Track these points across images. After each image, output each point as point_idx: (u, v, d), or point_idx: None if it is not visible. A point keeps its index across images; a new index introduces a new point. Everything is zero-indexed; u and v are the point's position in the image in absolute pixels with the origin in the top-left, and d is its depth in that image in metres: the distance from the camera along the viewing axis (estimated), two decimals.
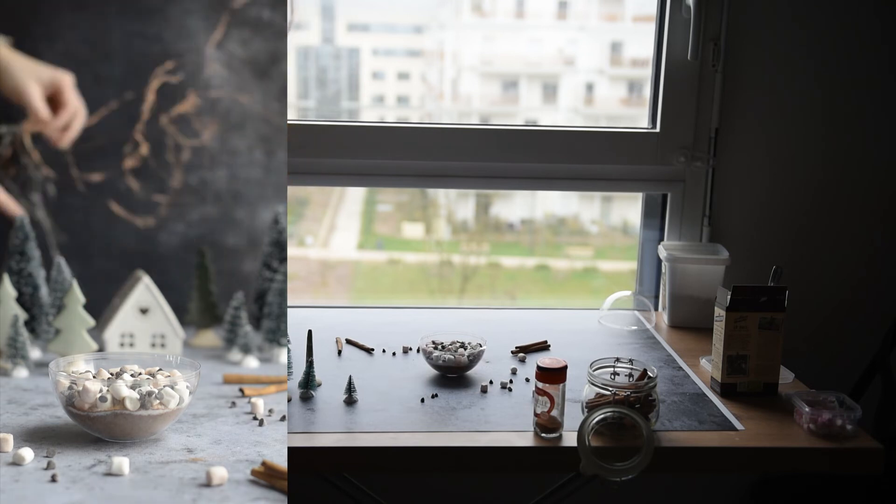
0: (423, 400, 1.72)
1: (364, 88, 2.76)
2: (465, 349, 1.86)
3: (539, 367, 1.56)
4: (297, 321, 2.02)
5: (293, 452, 1.49)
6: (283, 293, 1.97)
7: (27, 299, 1.94)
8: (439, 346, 1.87)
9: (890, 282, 2.38)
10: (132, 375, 1.54)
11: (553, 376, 1.55)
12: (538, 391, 1.56)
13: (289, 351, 1.80)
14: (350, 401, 1.71)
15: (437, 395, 1.74)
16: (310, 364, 1.72)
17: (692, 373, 1.90)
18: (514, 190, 2.51)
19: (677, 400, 1.76)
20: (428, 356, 1.85)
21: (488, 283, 2.87)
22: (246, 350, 1.95)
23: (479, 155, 2.28)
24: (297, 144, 2.22)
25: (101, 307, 2.05)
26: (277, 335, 1.97)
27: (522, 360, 1.95)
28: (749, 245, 2.33)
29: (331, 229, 2.90)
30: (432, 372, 1.86)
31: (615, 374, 1.63)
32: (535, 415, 1.58)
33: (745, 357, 1.76)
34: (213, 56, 2.25)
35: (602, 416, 1.54)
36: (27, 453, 1.40)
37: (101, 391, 1.46)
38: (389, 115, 2.89)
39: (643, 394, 1.59)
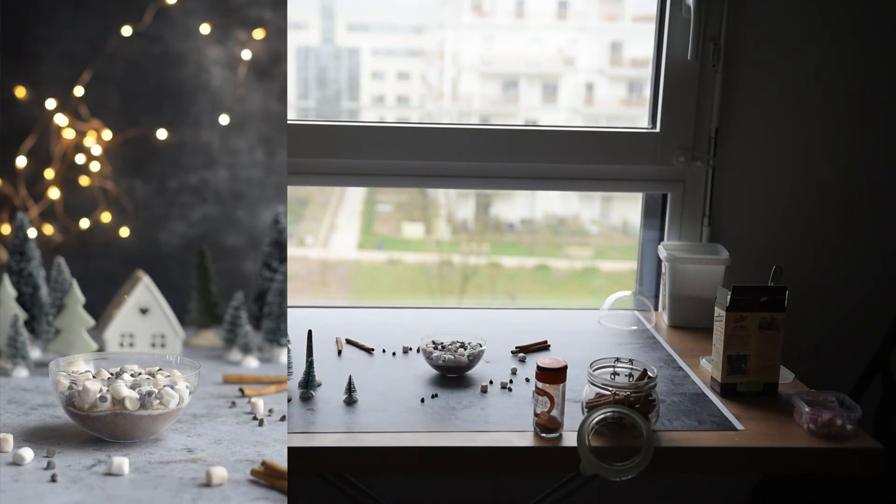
0: (423, 400, 1.72)
1: (364, 88, 2.76)
2: (465, 349, 1.86)
3: (539, 367, 1.56)
4: (297, 321, 2.01)
5: (293, 452, 1.49)
6: (283, 293, 1.97)
7: (27, 299, 1.94)
8: (439, 346, 1.87)
9: (890, 282, 2.38)
10: (132, 375, 1.54)
11: (553, 376, 1.55)
12: (538, 391, 1.56)
13: (289, 351, 1.80)
14: (350, 401, 1.70)
15: (437, 395, 1.74)
16: (310, 364, 1.72)
17: (692, 373, 1.90)
18: (514, 190, 2.51)
19: (677, 400, 1.76)
20: (428, 356, 1.85)
21: (488, 283, 2.86)
22: (246, 350, 1.95)
23: (479, 155, 2.28)
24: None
25: (101, 307, 2.05)
26: (277, 335, 1.97)
27: (522, 360, 1.95)
28: (749, 245, 2.33)
29: (331, 229, 2.90)
30: (432, 372, 1.86)
31: (615, 374, 1.63)
32: (535, 415, 1.58)
33: (745, 357, 1.76)
34: (213, 56, 2.25)
35: (602, 416, 1.54)
36: (27, 453, 1.40)
37: (101, 391, 1.46)
38: (389, 115, 2.89)
39: (643, 394, 1.59)
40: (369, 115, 2.88)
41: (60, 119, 2.20)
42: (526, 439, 1.57)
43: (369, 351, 1.99)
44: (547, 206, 2.88)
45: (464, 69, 2.71)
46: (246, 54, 2.25)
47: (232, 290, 2.04)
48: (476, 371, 1.87)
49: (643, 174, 2.32)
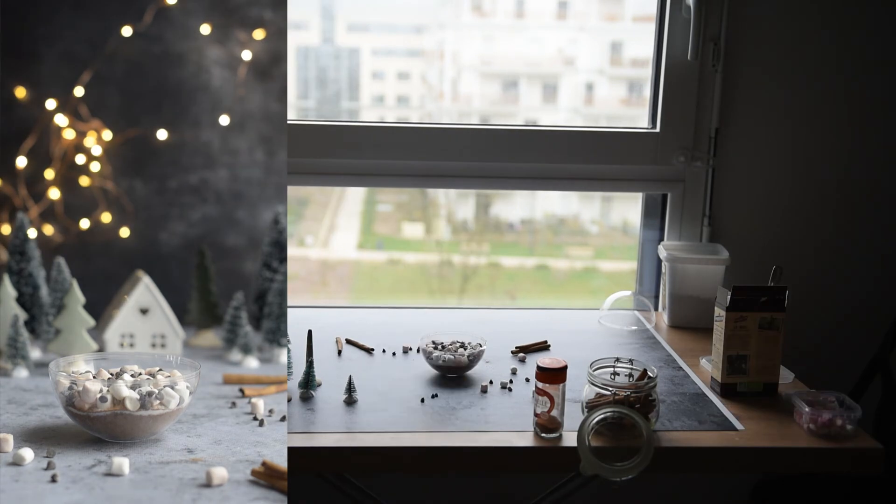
0: (423, 400, 1.72)
1: (364, 88, 2.76)
2: (465, 349, 1.86)
3: (539, 367, 1.56)
4: (297, 321, 2.01)
5: (293, 452, 1.49)
6: (283, 293, 1.97)
7: (27, 299, 1.94)
8: (439, 346, 1.87)
9: (890, 282, 2.38)
10: (132, 375, 1.54)
11: (553, 376, 1.55)
12: (538, 391, 1.56)
13: (289, 351, 1.80)
14: (350, 401, 1.71)
15: (437, 395, 1.74)
16: (310, 364, 1.72)
17: (692, 373, 1.90)
18: (514, 190, 2.51)
19: (677, 400, 1.76)
20: (428, 356, 1.85)
21: (488, 283, 2.86)
22: (246, 350, 1.95)
23: (479, 155, 2.28)
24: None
25: (101, 307, 2.05)
26: (277, 335, 1.97)
27: (522, 360, 1.95)
28: (749, 245, 2.33)
29: (331, 229, 2.90)
30: (432, 372, 1.86)
31: (615, 374, 1.63)
32: (535, 415, 1.58)
33: (745, 357, 1.76)
34: (213, 56, 2.25)
35: (602, 416, 1.54)
36: (27, 453, 1.40)
37: (101, 391, 1.46)
38: (389, 115, 2.89)
39: (643, 394, 1.59)
40: (369, 115, 2.88)
41: (60, 119, 2.20)
42: (526, 439, 1.57)
43: (369, 351, 1.99)
44: (547, 206, 2.88)
45: (464, 69, 2.71)
46: (246, 54, 2.25)
47: (232, 290, 2.04)
48: (476, 371, 1.87)
49: (643, 174, 2.32)
